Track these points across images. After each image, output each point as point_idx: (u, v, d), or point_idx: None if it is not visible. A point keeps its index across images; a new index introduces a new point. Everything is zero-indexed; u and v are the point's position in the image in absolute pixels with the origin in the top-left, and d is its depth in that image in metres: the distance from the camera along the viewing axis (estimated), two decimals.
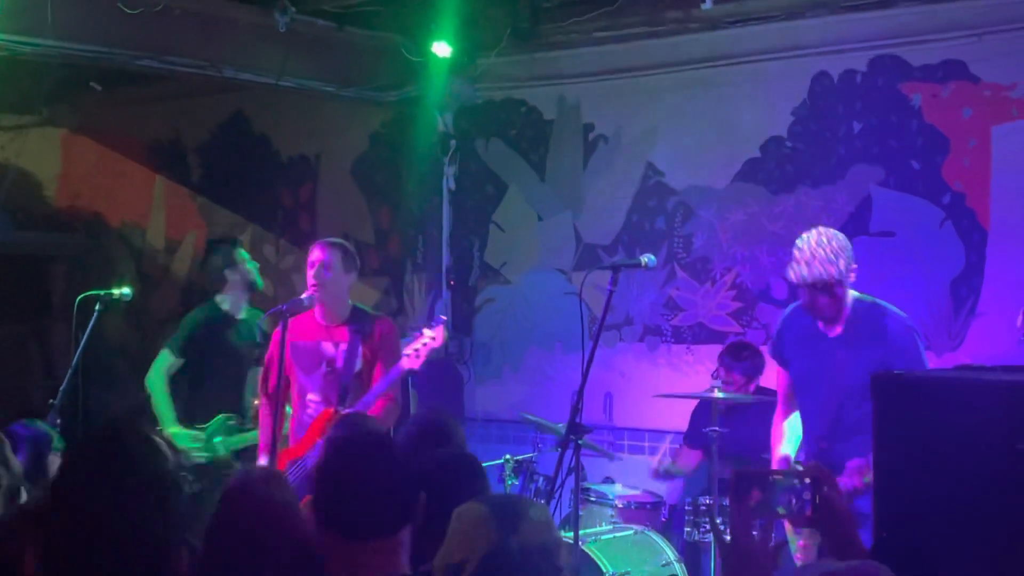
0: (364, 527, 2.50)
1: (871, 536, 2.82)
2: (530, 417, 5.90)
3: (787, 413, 4.77)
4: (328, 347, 5.30)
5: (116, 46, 6.34)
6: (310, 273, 5.29)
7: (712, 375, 6.03)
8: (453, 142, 7.75)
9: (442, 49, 6.93)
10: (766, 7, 6.47)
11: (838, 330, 4.51)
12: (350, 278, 5.38)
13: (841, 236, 4.53)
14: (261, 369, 5.60)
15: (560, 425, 5.26)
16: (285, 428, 5.98)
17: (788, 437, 4.75)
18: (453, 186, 7.81)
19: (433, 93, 7.36)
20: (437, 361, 7.57)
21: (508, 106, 7.60)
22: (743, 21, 6.53)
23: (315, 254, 5.35)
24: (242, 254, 6.26)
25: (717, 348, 6.54)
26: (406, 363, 5.01)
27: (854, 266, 4.47)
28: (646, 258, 4.66)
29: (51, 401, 5.73)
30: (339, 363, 5.24)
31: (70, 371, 5.96)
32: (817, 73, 6.44)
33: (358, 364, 5.23)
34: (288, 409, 5.46)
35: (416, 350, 5.00)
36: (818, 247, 4.43)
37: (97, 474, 2.30)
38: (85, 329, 5.98)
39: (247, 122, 8.78)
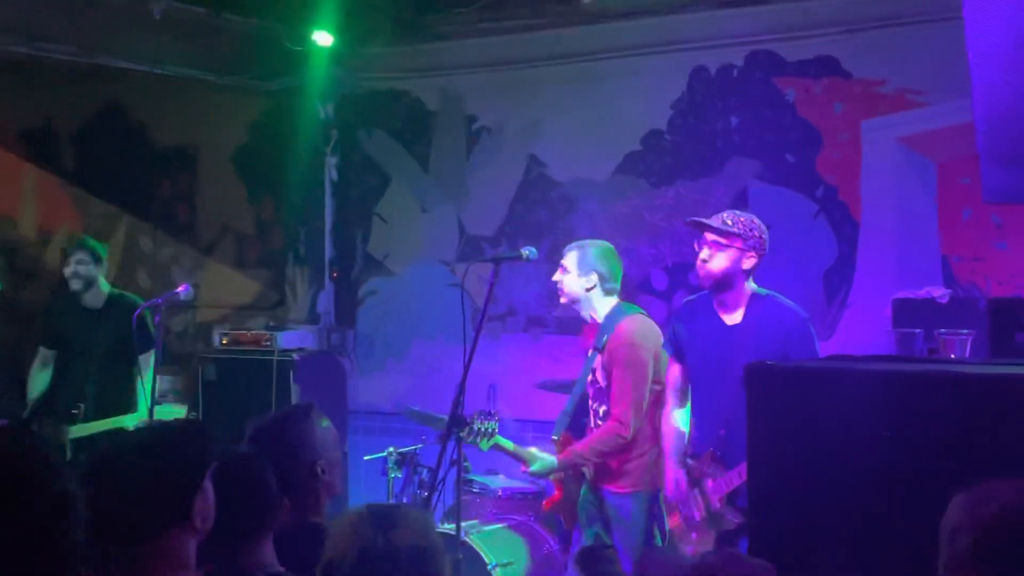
0: (116, 529, 2.44)
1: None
2: (413, 410, 5.87)
3: (678, 406, 4.77)
4: (587, 361, 4.90)
5: None
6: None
7: None
8: (335, 132, 7.67)
9: (323, 38, 6.83)
10: (646, 2, 6.54)
11: (737, 319, 4.56)
12: (587, 280, 4.85)
13: (761, 226, 4.52)
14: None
15: (444, 417, 5.24)
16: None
17: (679, 442, 4.72)
18: (335, 177, 7.73)
19: (314, 83, 7.26)
20: (320, 354, 7.51)
21: (391, 97, 7.55)
22: (624, 15, 6.59)
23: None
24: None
25: None
26: None
27: (751, 254, 4.48)
28: (527, 251, 4.67)
29: None
30: (587, 379, 4.90)
31: None
32: (695, 67, 6.54)
33: (597, 378, 4.82)
34: None
35: None
36: (733, 214, 4.49)
37: None
38: None
39: (123, 111, 8.56)
